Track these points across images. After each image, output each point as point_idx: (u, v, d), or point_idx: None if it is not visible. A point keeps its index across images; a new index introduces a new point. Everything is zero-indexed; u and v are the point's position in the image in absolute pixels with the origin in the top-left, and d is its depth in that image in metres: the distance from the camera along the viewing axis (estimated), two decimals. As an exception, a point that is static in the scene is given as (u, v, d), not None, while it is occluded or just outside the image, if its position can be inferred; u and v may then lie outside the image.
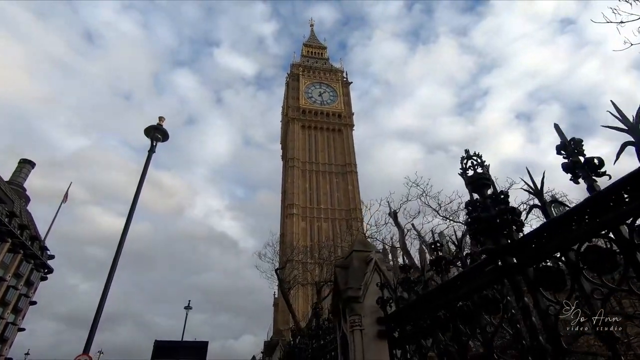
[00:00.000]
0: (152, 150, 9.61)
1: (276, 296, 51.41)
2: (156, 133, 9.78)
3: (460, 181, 2.29)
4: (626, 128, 1.42)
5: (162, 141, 10.10)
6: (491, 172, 2.19)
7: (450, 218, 12.05)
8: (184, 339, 21.61)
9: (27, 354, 48.79)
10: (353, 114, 71.80)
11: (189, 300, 27.16)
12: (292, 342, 7.19)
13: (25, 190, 58.54)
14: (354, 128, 69.88)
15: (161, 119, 10.21)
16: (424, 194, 12.66)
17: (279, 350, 9.17)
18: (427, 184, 13.36)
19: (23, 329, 52.11)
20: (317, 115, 69.19)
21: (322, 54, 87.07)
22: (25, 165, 59.89)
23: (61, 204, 55.45)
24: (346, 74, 78.63)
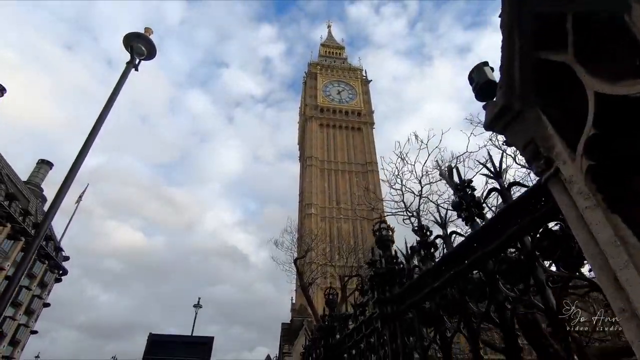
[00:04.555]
0: (131, 63, 7.13)
1: (294, 301, 48.45)
2: (138, 44, 7.33)
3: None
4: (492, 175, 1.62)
5: (147, 58, 7.63)
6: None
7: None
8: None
9: (38, 357, 47.32)
10: (373, 111, 69.22)
11: (199, 298, 24.73)
12: (326, 318, 4.36)
13: (42, 190, 58.14)
14: (374, 126, 67.11)
15: (148, 30, 7.78)
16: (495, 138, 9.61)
17: (304, 334, 6.31)
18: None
19: (35, 332, 50.85)
20: (335, 114, 66.83)
21: (340, 53, 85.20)
22: (43, 165, 59.63)
23: (77, 205, 54.87)
24: (365, 72, 76.29)
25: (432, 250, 2.32)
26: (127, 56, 7.24)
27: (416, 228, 2.42)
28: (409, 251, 2.37)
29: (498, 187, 1.70)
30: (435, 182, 10.40)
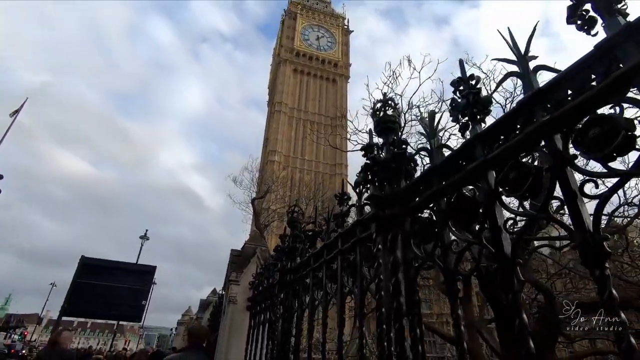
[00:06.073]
0: None
1: (247, 244, 48.42)
2: None
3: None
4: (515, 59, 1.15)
5: None
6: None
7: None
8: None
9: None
10: (350, 64, 66.52)
11: (146, 230, 23.55)
12: (287, 238, 3.51)
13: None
14: (349, 80, 64.89)
15: None
16: (487, 78, 8.81)
17: (255, 262, 5.53)
18: (495, 68, 9.81)
19: (-38, 250, 47.11)
20: (312, 61, 63.53)
21: (324, -4, 79.41)
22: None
23: (13, 119, 49.17)
24: (347, 22, 72.19)
25: (484, 110, 1.42)
26: None
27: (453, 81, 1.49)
28: (452, 106, 1.45)
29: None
30: (417, 119, 9.57)
